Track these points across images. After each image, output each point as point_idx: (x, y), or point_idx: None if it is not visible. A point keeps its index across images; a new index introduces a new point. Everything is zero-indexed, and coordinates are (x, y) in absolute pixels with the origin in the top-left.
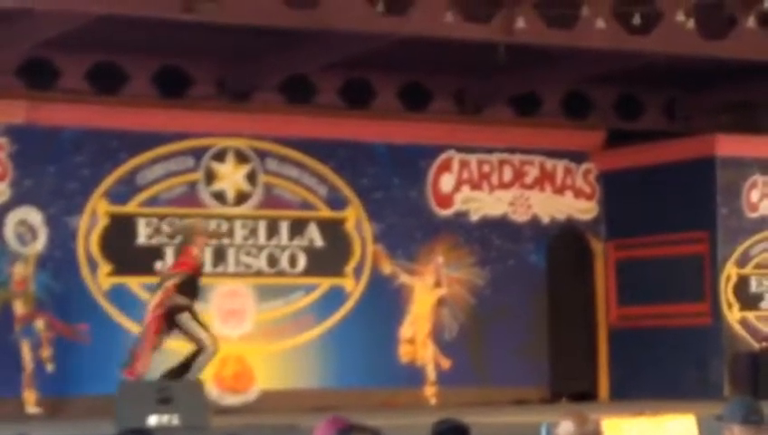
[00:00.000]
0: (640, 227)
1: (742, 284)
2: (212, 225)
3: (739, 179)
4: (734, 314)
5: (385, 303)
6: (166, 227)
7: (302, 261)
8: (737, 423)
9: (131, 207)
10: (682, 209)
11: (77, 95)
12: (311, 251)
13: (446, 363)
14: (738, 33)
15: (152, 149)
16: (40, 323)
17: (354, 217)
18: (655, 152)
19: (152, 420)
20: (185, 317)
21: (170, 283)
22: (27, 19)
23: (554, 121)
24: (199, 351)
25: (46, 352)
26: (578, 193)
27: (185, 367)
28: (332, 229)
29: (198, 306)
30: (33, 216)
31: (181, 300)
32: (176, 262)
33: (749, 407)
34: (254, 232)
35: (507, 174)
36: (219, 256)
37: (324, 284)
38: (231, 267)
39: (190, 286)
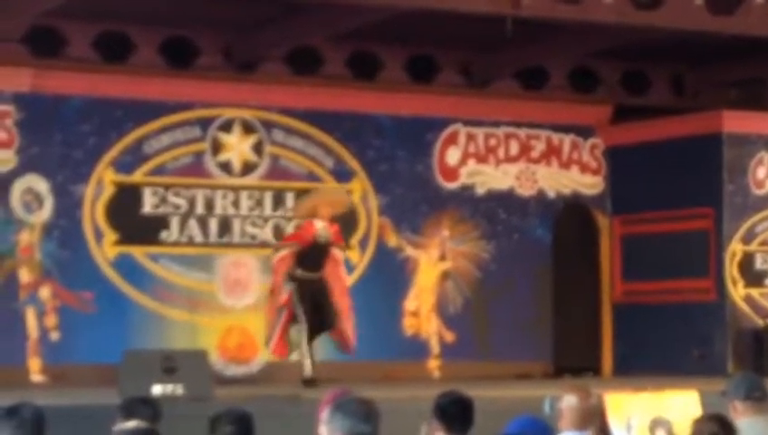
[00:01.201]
0: (646, 202)
1: (747, 260)
2: (219, 196)
3: (746, 156)
4: (738, 291)
5: (390, 275)
6: (173, 197)
7: None
8: (740, 399)
9: (137, 176)
10: (688, 185)
11: (83, 64)
12: None
13: (449, 337)
14: (747, 9)
15: (158, 118)
16: (45, 292)
17: (360, 188)
18: (661, 128)
19: (156, 390)
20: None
21: (284, 253)
22: None
23: (561, 96)
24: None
25: (51, 321)
26: (584, 168)
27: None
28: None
29: (206, 277)
30: (40, 184)
31: (301, 273)
32: (293, 233)
33: (752, 383)
34: (259, 203)
35: (513, 148)
36: (224, 226)
37: None
38: (236, 238)
39: (305, 259)
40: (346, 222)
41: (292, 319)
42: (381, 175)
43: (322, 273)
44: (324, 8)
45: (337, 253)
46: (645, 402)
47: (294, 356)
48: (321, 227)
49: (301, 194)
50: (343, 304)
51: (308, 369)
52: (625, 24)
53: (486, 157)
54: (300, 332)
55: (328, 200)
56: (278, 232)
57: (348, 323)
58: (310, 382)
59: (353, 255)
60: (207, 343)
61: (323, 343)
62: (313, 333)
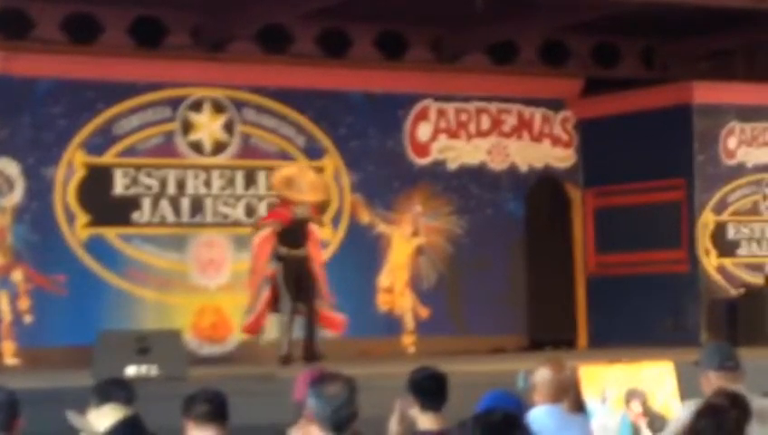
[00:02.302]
0: (618, 174)
1: (719, 231)
2: (190, 176)
3: (716, 127)
4: (711, 261)
5: (363, 252)
6: (144, 178)
7: None
8: (713, 369)
9: (108, 157)
10: (659, 157)
11: (52, 45)
12: None
13: (424, 312)
14: None
15: (128, 99)
16: (17, 275)
17: (332, 166)
18: (632, 100)
19: (130, 371)
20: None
21: (264, 233)
22: None
23: (532, 70)
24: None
25: (24, 304)
26: (555, 141)
27: None
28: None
29: (179, 257)
30: (10, 167)
31: (286, 251)
32: (271, 212)
33: (725, 353)
34: (231, 182)
35: (485, 122)
36: (197, 206)
37: None
38: (209, 217)
39: (287, 236)
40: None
41: (275, 300)
42: (353, 152)
43: (306, 249)
44: None
45: (315, 229)
46: (619, 374)
47: (266, 338)
48: (300, 205)
49: (273, 173)
50: (322, 280)
51: (285, 347)
52: None
53: (458, 132)
54: (281, 318)
55: (303, 177)
56: (250, 211)
57: (326, 300)
58: (286, 360)
59: (326, 232)
60: (181, 323)
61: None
62: (296, 311)
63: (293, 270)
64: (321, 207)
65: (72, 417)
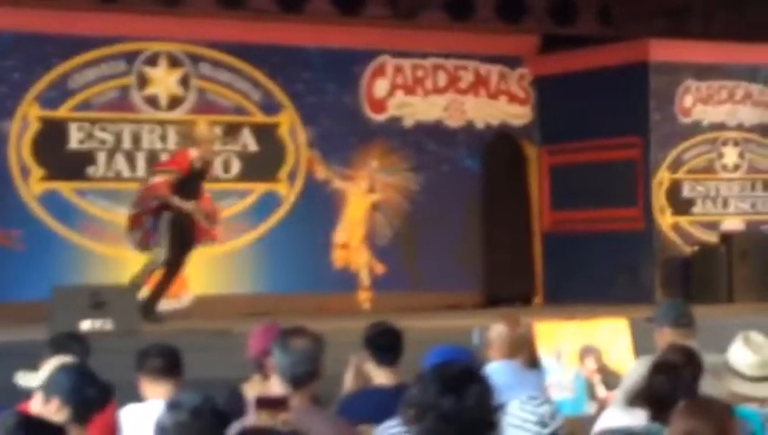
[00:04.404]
0: (574, 132)
1: (674, 189)
2: (146, 130)
3: (672, 85)
4: (666, 219)
5: (319, 208)
6: (99, 132)
7: (235, 166)
8: (668, 326)
9: (63, 111)
10: (615, 115)
11: None
12: (244, 156)
13: (379, 268)
14: None
15: (84, 53)
16: None
17: (288, 122)
18: (589, 57)
19: (85, 325)
20: (166, 219)
21: (160, 178)
22: None
23: (488, 26)
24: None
25: None
26: (512, 98)
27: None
28: (266, 134)
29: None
30: None
31: (177, 202)
32: (169, 159)
33: (680, 310)
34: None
35: (441, 79)
36: (152, 161)
37: (258, 189)
38: None
39: (182, 186)
40: (275, 155)
41: (151, 241)
42: (309, 108)
43: (196, 204)
44: None
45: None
46: (574, 331)
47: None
48: (198, 157)
49: (230, 128)
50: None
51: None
52: None
53: (414, 88)
54: (157, 257)
55: (206, 133)
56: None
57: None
58: (147, 311)
59: (282, 188)
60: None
61: (253, 277)
62: (170, 267)
63: (178, 223)
64: (273, 160)
65: (21, 378)
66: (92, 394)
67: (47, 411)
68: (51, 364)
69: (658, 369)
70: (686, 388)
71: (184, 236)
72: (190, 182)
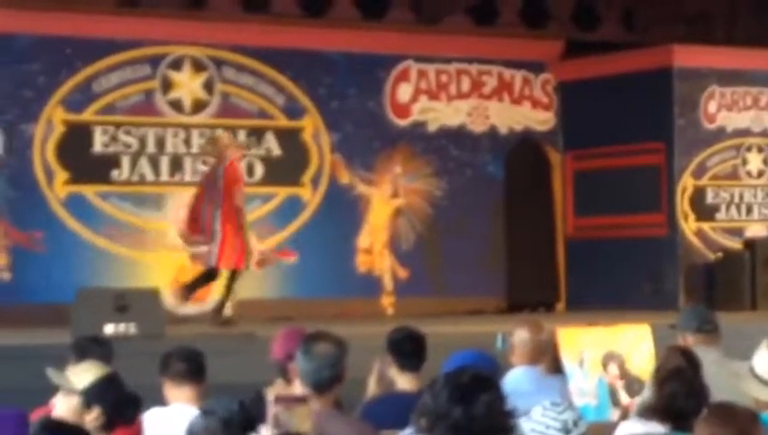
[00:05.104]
0: (597, 137)
1: (698, 195)
2: (170, 134)
3: (696, 90)
4: (689, 225)
5: (342, 212)
6: (123, 136)
7: (259, 170)
8: (691, 332)
9: (87, 115)
10: (639, 120)
11: (31, 2)
12: (268, 160)
13: (403, 273)
14: None
15: (108, 56)
16: None
17: (312, 126)
18: (612, 63)
19: (108, 329)
20: None
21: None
22: None
23: (512, 31)
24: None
25: (2, 261)
26: (536, 103)
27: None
28: (290, 138)
29: (157, 216)
30: None
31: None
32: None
33: (703, 316)
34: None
35: (465, 84)
36: (176, 165)
37: (281, 193)
38: (188, 176)
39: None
40: (298, 160)
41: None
42: (333, 112)
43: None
44: None
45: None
46: (597, 337)
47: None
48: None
49: (252, 132)
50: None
51: (229, 308)
52: None
53: (438, 93)
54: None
55: (235, 143)
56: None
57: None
58: (228, 322)
59: (305, 192)
60: (159, 281)
61: (277, 282)
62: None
63: None
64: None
65: (52, 373)
66: (130, 408)
67: (85, 418)
68: (81, 368)
69: (669, 377)
70: (699, 389)
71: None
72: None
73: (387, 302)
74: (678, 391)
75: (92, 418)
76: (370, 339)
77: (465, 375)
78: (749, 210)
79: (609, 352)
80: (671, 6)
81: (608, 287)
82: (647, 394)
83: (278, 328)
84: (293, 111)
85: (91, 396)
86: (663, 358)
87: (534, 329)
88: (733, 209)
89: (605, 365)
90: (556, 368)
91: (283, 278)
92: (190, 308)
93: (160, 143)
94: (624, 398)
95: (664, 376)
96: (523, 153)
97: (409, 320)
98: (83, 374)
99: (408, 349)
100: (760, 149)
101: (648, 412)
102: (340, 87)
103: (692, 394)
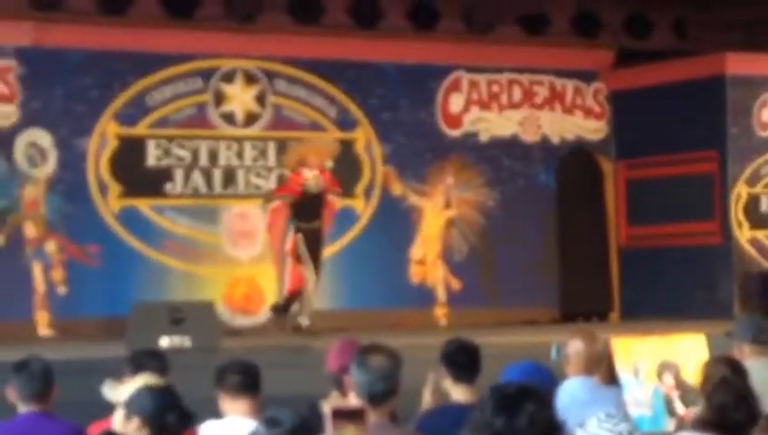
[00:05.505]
0: (650, 146)
1: (752, 203)
2: (223, 147)
3: (749, 98)
4: (743, 234)
5: (395, 224)
6: (176, 149)
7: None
8: (747, 342)
9: (140, 128)
10: (692, 128)
11: (84, 16)
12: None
13: (456, 284)
14: None
15: (160, 70)
16: (51, 246)
17: (364, 137)
18: (665, 71)
19: (164, 342)
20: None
21: (275, 205)
22: None
23: (564, 41)
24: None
25: (58, 275)
26: (588, 113)
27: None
28: (342, 150)
29: (211, 229)
30: (43, 138)
31: (297, 223)
32: (282, 185)
33: (759, 326)
34: (263, 153)
35: (517, 94)
36: (229, 177)
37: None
38: (241, 189)
39: (299, 209)
40: (351, 171)
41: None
42: (385, 123)
43: (320, 222)
44: None
45: (333, 199)
46: (652, 346)
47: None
48: (311, 177)
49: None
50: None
51: (305, 318)
52: None
53: (489, 103)
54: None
55: (315, 149)
56: (282, 182)
57: None
58: (306, 330)
59: (358, 204)
60: (214, 294)
61: (331, 293)
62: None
63: (308, 241)
64: (350, 176)
65: (107, 390)
66: (172, 419)
67: (128, 429)
68: (136, 381)
69: (718, 388)
70: (748, 398)
71: (313, 252)
72: (307, 204)
73: (440, 313)
74: (727, 401)
75: (134, 428)
76: (424, 350)
77: (511, 387)
78: None
79: (664, 362)
80: (723, 14)
81: (661, 296)
82: (700, 405)
83: (332, 340)
84: (346, 122)
85: (132, 406)
86: (708, 369)
87: (589, 339)
88: None
89: (660, 375)
90: (612, 378)
91: (337, 289)
92: (244, 320)
93: (213, 156)
94: (680, 408)
95: (711, 388)
96: (575, 163)
97: (462, 331)
98: (132, 386)
99: (463, 360)
100: None
101: (702, 425)
102: (392, 98)
103: (741, 404)
